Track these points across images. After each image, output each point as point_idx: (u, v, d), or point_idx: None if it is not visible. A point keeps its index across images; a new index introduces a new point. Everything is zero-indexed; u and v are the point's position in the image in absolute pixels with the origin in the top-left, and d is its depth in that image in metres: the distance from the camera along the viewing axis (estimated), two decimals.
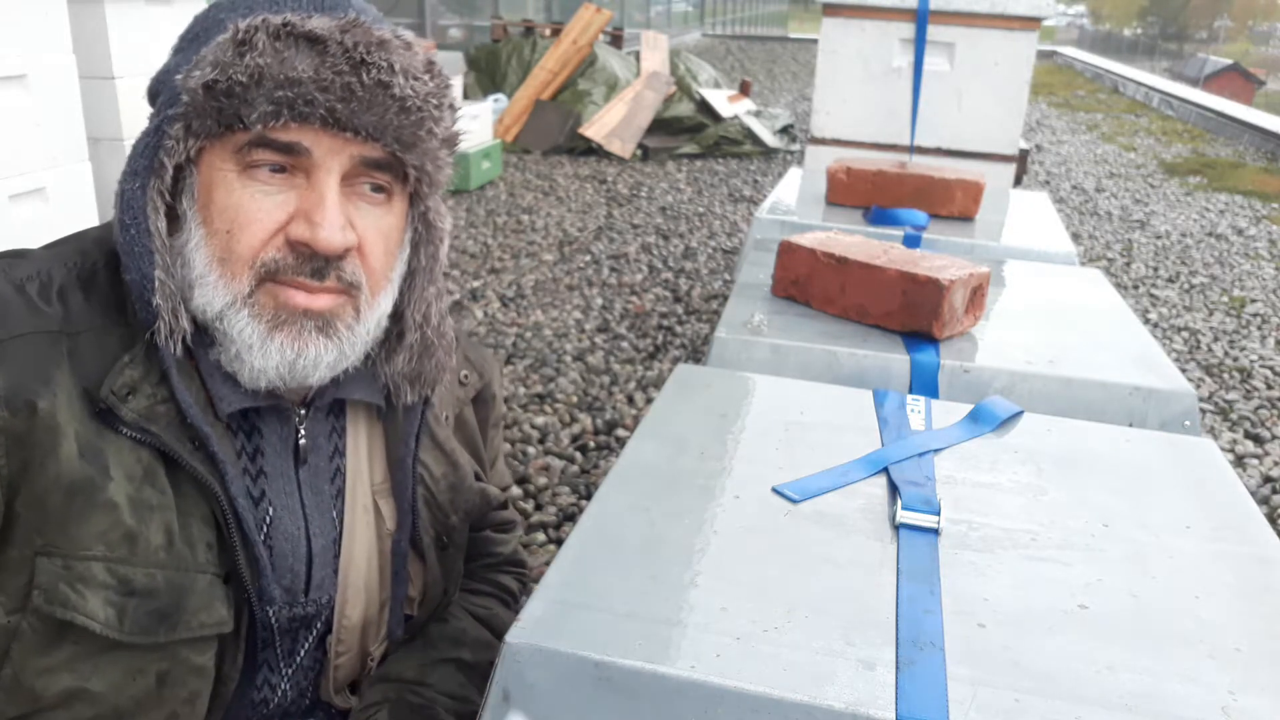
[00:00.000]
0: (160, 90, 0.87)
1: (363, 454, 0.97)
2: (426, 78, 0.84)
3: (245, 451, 0.89)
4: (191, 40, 0.87)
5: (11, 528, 0.78)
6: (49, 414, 0.77)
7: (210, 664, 0.85)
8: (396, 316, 0.93)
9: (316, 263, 0.82)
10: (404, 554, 0.98)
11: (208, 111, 0.80)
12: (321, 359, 0.85)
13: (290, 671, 0.96)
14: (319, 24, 0.80)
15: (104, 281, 0.85)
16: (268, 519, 0.89)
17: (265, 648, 0.92)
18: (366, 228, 0.85)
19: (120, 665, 0.80)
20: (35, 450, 0.77)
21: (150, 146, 0.83)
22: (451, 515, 1.01)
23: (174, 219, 0.85)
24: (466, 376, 1.07)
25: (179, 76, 0.82)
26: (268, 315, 0.83)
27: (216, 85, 0.79)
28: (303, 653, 0.96)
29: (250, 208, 0.82)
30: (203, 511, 0.84)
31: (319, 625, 0.96)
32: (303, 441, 0.92)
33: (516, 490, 2.29)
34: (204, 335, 0.85)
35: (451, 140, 0.89)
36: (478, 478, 1.07)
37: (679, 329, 3.43)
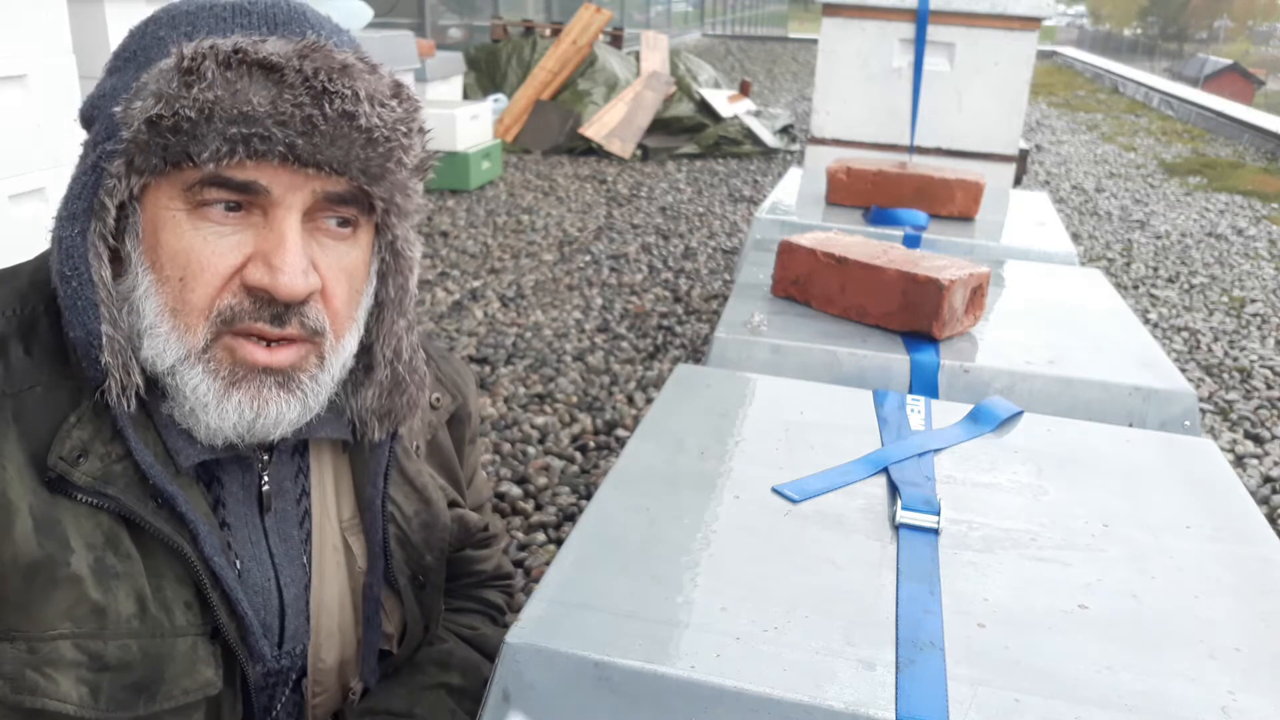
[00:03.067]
0: (94, 116, 0.79)
1: (329, 490, 0.92)
2: (394, 103, 0.77)
3: (207, 501, 0.83)
4: (129, 60, 0.79)
5: None
6: (1, 491, 0.72)
7: None
8: (365, 350, 0.87)
9: (276, 308, 0.76)
10: (376, 596, 0.93)
11: (152, 148, 0.72)
12: (283, 416, 0.79)
13: None
14: (275, 48, 0.72)
15: (46, 330, 0.78)
16: (237, 571, 0.84)
17: (245, 706, 0.87)
18: (330, 266, 0.79)
19: None
20: None
21: (88, 186, 0.75)
22: (426, 555, 0.96)
23: (116, 261, 0.78)
24: (438, 400, 1.01)
25: (117, 108, 0.74)
26: (224, 371, 0.77)
27: (162, 121, 0.71)
28: (278, 708, 0.91)
29: (204, 252, 0.75)
30: (176, 571, 0.78)
31: (294, 676, 0.91)
32: (266, 488, 0.87)
33: (516, 490, 2.29)
34: (156, 386, 0.79)
35: (423, 166, 0.83)
36: (456, 504, 1.02)
37: (679, 329, 3.43)
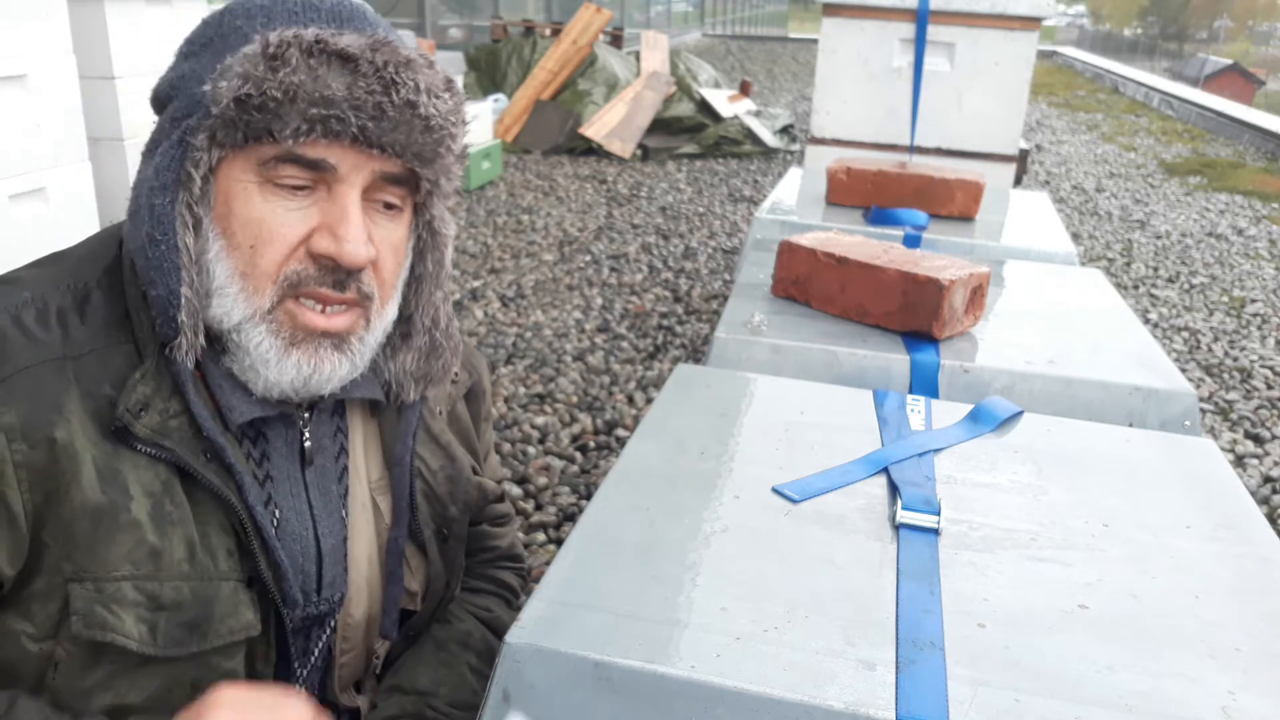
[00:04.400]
0: (173, 96, 0.86)
1: (359, 451, 0.98)
2: (446, 96, 0.86)
3: (253, 457, 0.90)
4: (205, 46, 0.86)
5: (39, 558, 0.79)
6: (67, 442, 0.78)
7: (240, 668, 0.86)
8: (405, 319, 0.95)
9: (339, 274, 0.84)
10: (400, 551, 0.98)
11: (237, 124, 0.80)
12: (336, 374, 0.87)
13: (305, 672, 0.96)
14: (350, 42, 0.81)
15: (100, 302, 0.85)
16: (275, 522, 0.90)
17: (279, 647, 0.93)
18: (382, 240, 0.87)
19: (157, 678, 0.82)
20: (59, 480, 0.78)
21: (176, 159, 0.83)
22: (451, 507, 1.02)
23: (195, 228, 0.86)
24: (457, 374, 1.08)
25: (205, 87, 0.81)
26: (285, 333, 0.84)
27: (249, 99, 0.79)
28: (316, 652, 0.97)
29: (273, 222, 0.82)
30: (219, 520, 0.85)
31: (332, 623, 0.97)
32: (308, 445, 0.93)
33: (516, 490, 2.29)
34: (214, 346, 0.86)
35: (463, 154, 0.91)
36: (474, 472, 1.08)
37: (679, 329, 3.43)
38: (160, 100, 0.88)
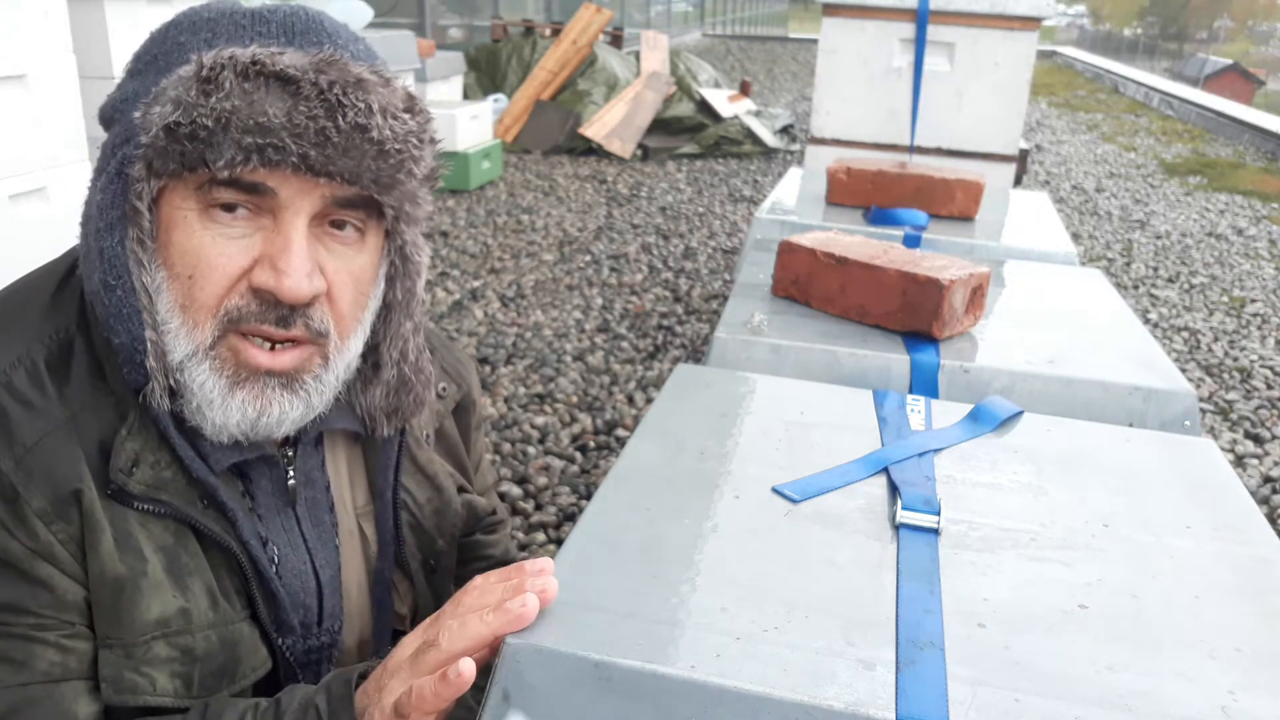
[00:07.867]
0: (115, 118, 0.81)
1: (344, 479, 0.95)
2: (406, 116, 0.79)
3: (246, 495, 0.88)
4: (149, 64, 0.81)
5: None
6: (90, 508, 0.76)
7: None
8: (373, 349, 0.90)
9: (282, 310, 0.78)
10: (387, 581, 0.96)
11: (170, 153, 0.74)
12: (286, 416, 0.81)
13: None
14: (291, 60, 0.74)
15: (81, 349, 0.80)
16: (275, 560, 0.88)
17: (289, 681, 0.92)
18: (337, 270, 0.81)
19: None
20: (87, 547, 0.77)
21: (118, 193, 0.77)
22: (438, 540, 0.99)
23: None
24: (444, 389, 1.03)
25: (137, 113, 0.76)
26: (228, 371, 0.79)
27: (179, 128, 0.73)
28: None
29: (212, 252, 0.77)
30: (227, 563, 0.84)
31: (336, 653, 0.95)
32: (291, 483, 0.90)
33: (516, 490, 2.29)
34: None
35: (432, 176, 0.85)
36: (463, 489, 1.05)
37: (679, 329, 3.43)
38: (106, 121, 0.83)
